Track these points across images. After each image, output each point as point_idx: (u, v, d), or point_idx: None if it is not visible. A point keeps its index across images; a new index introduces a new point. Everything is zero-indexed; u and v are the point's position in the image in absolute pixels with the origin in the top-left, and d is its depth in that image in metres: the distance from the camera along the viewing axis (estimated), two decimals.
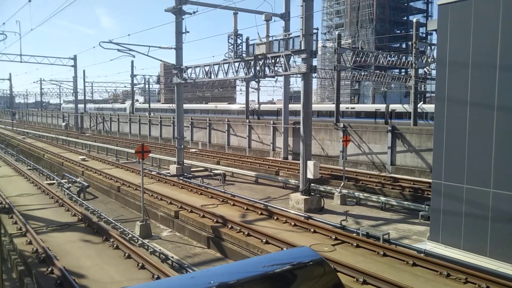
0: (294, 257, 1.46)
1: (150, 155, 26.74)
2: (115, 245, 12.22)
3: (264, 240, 12.81)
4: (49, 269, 10.37)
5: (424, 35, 65.22)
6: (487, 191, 11.10)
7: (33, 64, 52.23)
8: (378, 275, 9.68)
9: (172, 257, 12.30)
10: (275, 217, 15.47)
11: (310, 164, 17.72)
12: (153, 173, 25.54)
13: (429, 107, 34.96)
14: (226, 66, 23.08)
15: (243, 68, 21.93)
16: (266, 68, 20.50)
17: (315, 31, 18.25)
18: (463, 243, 11.64)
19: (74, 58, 58.33)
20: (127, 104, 78.56)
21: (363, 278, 9.69)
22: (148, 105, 64.11)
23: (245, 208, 16.86)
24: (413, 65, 31.39)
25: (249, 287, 1.23)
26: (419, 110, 32.19)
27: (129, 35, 51.94)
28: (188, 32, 25.31)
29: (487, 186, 11.10)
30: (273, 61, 20.12)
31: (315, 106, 38.59)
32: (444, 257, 11.23)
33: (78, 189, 22.11)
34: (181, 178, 24.47)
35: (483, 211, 11.18)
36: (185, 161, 27.49)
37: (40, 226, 14.46)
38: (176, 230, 16.00)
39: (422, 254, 11.50)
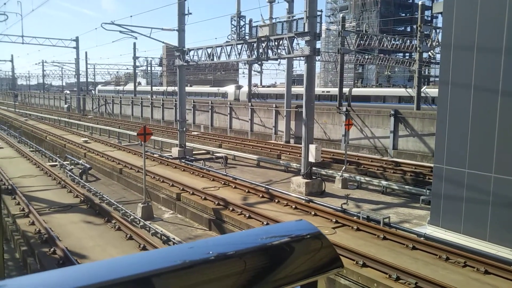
0: (291, 229, 1.46)
1: (152, 137, 26.75)
2: (117, 227, 12.32)
3: (265, 223, 12.89)
4: (52, 249, 10.48)
5: (429, 18, 64.41)
6: (489, 176, 11.08)
7: (35, 46, 51.97)
8: (378, 258, 9.75)
9: (174, 239, 12.40)
10: (276, 200, 15.53)
11: (312, 147, 17.70)
12: (155, 155, 25.60)
13: (433, 91, 34.72)
14: (228, 48, 22.89)
15: (246, 51, 21.73)
16: (269, 51, 20.31)
17: (319, 13, 18.01)
18: (463, 227, 11.68)
19: (76, 40, 57.92)
20: (230, 89, 55.34)
21: (363, 261, 9.75)
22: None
23: (247, 191, 16.91)
24: (418, 48, 31.07)
25: (247, 259, 1.24)
26: (422, 94, 31.98)
27: (131, 16, 51.45)
28: (191, 13, 25.03)
29: (488, 171, 11.09)
30: (276, 43, 19.93)
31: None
32: (444, 241, 11.29)
33: (80, 171, 22.19)
34: (183, 160, 24.52)
35: (484, 195, 11.19)
36: (187, 144, 27.51)
37: (43, 207, 14.57)
38: (178, 212, 16.10)
39: (422, 238, 11.56)
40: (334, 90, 38.99)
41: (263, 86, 56.76)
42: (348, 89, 40.93)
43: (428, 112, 25.95)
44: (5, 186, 17.27)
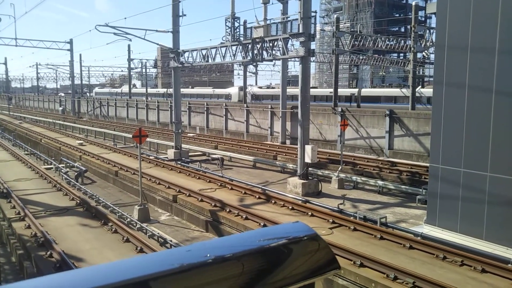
0: (288, 231, 1.47)
1: (148, 139, 26.69)
2: (113, 229, 12.27)
3: (262, 224, 12.89)
4: (48, 253, 10.42)
5: (423, 19, 64.68)
6: (484, 175, 11.14)
7: (29, 48, 51.60)
8: (375, 258, 9.76)
9: (171, 241, 12.37)
10: (273, 201, 15.53)
11: (308, 148, 17.73)
12: (151, 157, 25.54)
13: (427, 91, 34.81)
14: (223, 49, 22.89)
15: (241, 52, 21.74)
16: (264, 52, 20.33)
17: (313, 14, 18.04)
18: (459, 226, 11.73)
19: (70, 42, 57.75)
20: (233, 90, 53.98)
21: (360, 261, 9.77)
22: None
23: (243, 192, 16.91)
24: (412, 49, 31.22)
25: (244, 261, 1.24)
26: (417, 95, 32.11)
27: (125, 18, 51.42)
28: (185, 15, 25.04)
29: (484, 170, 11.14)
30: (271, 44, 19.94)
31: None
32: (441, 240, 11.33)
33: (76, 173, 22.09)
34: (179, 162, 24.49)
35: (480, 194, 11.24)
36: (182, 145, 27.48)
37: (39, 210, 14.49)
38: (174, 214, 16.07)
39: (419, 237, 11.60)
40: (342, 91, 38.85)
41: (268, 87, 56.11)
42: (357, 90, 40.77)
43: (423, 112, 26.06)
44: (0, 190, 17.18)
